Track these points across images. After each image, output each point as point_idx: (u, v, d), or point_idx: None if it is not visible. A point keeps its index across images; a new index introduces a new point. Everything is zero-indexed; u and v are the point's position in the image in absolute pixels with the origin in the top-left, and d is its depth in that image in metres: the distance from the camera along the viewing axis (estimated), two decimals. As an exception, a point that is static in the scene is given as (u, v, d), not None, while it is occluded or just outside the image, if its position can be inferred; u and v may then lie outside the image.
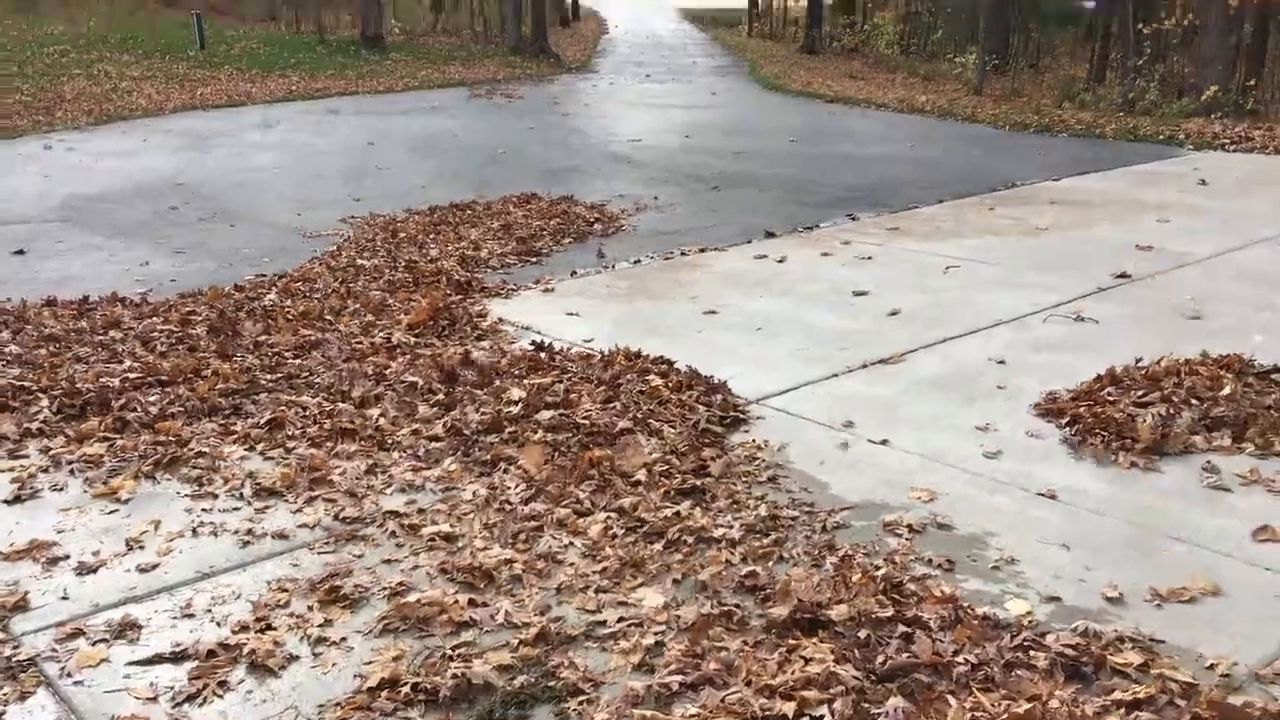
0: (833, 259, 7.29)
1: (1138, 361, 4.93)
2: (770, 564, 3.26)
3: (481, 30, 27.57)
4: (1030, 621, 2.96)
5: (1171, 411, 4.34)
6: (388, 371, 4.88)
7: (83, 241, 7.88)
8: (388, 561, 3.34)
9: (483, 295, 6.29)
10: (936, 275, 6.85)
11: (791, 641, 2.82)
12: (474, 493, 3.77)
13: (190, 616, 3.04)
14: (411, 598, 3.09)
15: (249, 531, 3.53)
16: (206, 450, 4.11)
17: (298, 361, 5.03)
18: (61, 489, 3.84)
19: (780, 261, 7.20)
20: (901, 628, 2.85)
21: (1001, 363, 5.16)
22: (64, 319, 5.67)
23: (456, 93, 18.40)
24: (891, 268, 7.06)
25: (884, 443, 4.24)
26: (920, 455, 4.12)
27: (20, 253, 7.44)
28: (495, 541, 3.44)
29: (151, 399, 4.54)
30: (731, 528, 3.47)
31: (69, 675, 2.78)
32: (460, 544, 3.42)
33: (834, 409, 4.58)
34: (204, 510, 3.68)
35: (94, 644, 2.91)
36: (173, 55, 21.03)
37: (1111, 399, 4.52)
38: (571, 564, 3.30)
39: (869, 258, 7.30)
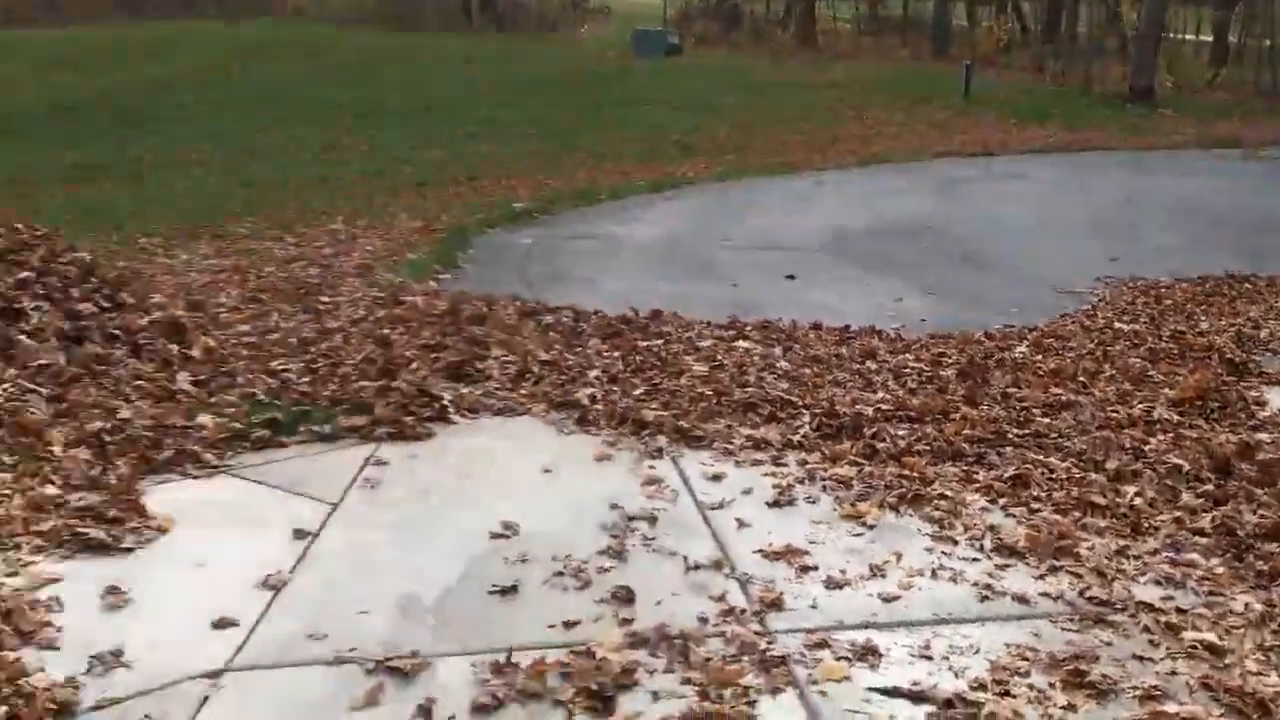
0: None
1: None
2: None
3: (1270, 85, 24.84)
4: None
5: None
6: (1146, 448, 4.48)
7: (841, 273, 8.49)
8: (1139, 658, 3.02)
9: (1260, 380, 5.54)
10: None
11: None
12: (1246, 605, 3.29)
13: (928, 658, 3.02)
14: (1168, 707, 2.76)
15: (988, 587, 3.43)
16: (949, 494, 4.09)
17: (1046, 420, 4.83)
18: (814, 502, 4.07)
19: None
20: None
21: None
22: (827, 343, 6.09)
23: (1229, 154, 16.70)
24: None
25: None
26: None
27: (791, 277, 8.21)
28: (1273, 668, 2.95)
29: (900, 433, 4.65)
30: None
31: (814, 683, 2.91)
32: (1228, 660, 2.99)
33: None
34: (944, 553, 3.66)
35: (837, 659, 3.01)
36: (937, 102, 21.98)
37: None
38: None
39: None
